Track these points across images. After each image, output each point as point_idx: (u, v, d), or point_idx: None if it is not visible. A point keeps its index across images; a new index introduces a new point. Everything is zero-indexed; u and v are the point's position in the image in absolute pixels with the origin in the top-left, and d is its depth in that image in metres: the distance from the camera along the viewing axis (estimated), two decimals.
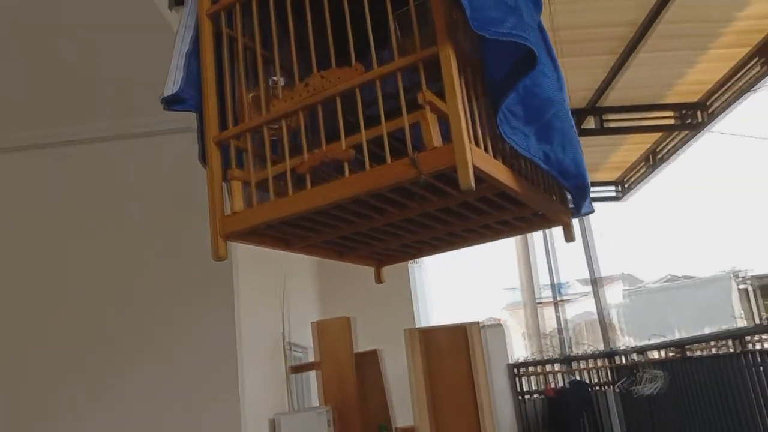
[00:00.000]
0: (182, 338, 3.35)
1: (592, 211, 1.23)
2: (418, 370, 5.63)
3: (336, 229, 1.16)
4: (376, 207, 1.07)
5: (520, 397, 5.99)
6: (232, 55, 1.20)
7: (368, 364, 4.90)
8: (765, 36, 4.39)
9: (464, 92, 0.93)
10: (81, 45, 3.01)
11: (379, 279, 1.44)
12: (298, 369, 4.87)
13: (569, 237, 1.25)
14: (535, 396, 5.92)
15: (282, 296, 4.42)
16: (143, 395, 3.29)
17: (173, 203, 3.55)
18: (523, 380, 6.02)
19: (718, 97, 5.01)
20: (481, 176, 0.92)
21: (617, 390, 5.39)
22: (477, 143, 0.94)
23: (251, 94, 1.17)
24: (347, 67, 1.02)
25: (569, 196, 1.21)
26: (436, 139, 0.91)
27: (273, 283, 4.30)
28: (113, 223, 3.58)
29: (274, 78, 1.16)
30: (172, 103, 1.16)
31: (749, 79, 4.71)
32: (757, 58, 4.51)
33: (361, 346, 4.80)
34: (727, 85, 4.89)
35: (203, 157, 1.24)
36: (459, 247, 1.38)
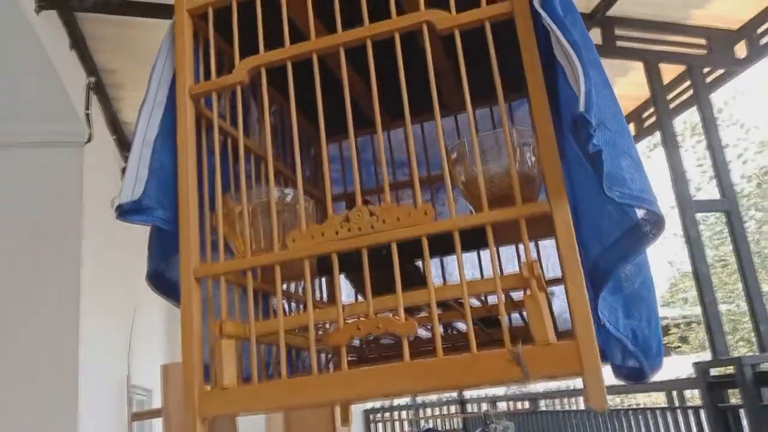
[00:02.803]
0: (15, 374, 2.79)
1: None
2: (275, 420, 5.24)
3: None
4: None
5: None
6: (214, 148, 0.87)
7: None
8: None
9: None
10: None
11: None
12: (141, 416, 4.30)
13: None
14: None
15: (129, 334, 3.93)
16: None
17: (10, 218, 2.97)
18: (379, 426, 5.88)
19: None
20: None
21: None
22: None
23: (239, 208, 0.85)
24: (408, 205, 0.76)
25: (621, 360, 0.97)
26: (550, 332, 0.68)
27: (120, 317, 3.84)
28: None
29: (286, 191, 0.85)
30: (129, 213, 0.80)
31: None
32: None
33: None
34: None
35: (154, 280, 0.89)
36: None
